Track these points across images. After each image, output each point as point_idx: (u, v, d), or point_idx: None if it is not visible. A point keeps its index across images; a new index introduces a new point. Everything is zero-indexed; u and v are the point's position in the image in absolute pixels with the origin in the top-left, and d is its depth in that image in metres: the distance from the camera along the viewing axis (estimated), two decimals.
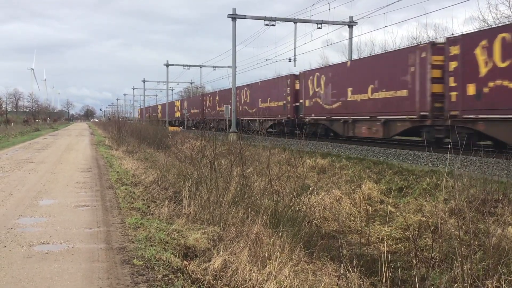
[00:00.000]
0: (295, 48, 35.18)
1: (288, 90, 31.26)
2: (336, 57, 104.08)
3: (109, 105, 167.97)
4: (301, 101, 29.33)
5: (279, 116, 32.24)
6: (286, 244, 6.62)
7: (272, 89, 34.05)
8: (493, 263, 6.97)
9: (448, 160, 12.45)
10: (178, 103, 71.01)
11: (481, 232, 9.02)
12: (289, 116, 30.72)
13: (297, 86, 30.37)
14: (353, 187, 14.13)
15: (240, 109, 40.82)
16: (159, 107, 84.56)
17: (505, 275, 6.60)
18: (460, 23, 70.40)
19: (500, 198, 10.02)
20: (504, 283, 6.18)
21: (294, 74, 31.68)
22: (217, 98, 49.05)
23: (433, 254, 7.00)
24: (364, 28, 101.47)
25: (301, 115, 29.19)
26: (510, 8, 29.55)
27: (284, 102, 31.61)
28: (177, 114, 69.24)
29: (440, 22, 75.30)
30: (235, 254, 6.21)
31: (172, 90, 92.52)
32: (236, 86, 40.43)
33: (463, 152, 14.56)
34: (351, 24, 35.48)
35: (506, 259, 7.37)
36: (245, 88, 40.85)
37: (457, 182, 8.02)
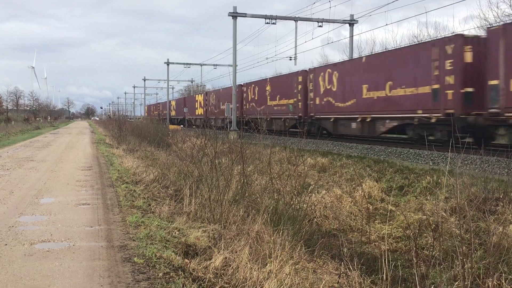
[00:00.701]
0: (295, 46, 35.19)
1: (446, 65, 17.54)
2: (336, 56, 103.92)
3: (109, 104, 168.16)
4: (493, 82, 15.53)
5: (420, 111, 18.94)
6: (287, 242, 6.63)
7: (399, 67, 20.45)
8: (494, 261, 6.97)
9: (449, 158, 12.47)
10: (200, 98, 55.89)
11: (481, 230, 9.03)
12: (449, 110, 17.40)
13: (468, 57, 17.02)
14: (353, 186, 14.14)
15: (317, 102, 27.56)
16: (173, 103, 73.38)
17: (506, 273, 6.60)
18: (461, 21, 70.29)
19: (501, 196, 10.03)
20: (505, 281, 6.18)
21: (461, 35, 17.70)
22: (268, 88, 34.80)
23: (433, 253, 7.00)
24: (363, 27, 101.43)
25: (492, 109, 15.64)
26: (511, 7, 29.51)
27: (438, 86, 17.96)
28: (199, 111, 55.49)
29: (439, 21, 75.25)
30: (236, 252, 6.21)
31: (172, 88, 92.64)
32: (305, 68, 30.48)
33: (463, 150, 14.59)
34: (352, 22, 35.45)
35: (506, 257, 7.38)
36: (328, 70, 26.63)
37: (457, 181, 8.02)
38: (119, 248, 6.86)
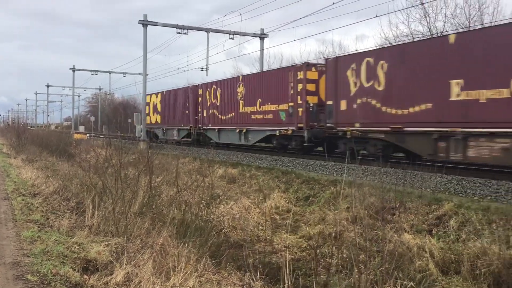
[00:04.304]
0: (207, 57, 35.28)
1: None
2: (247, 69, 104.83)
3: (8, 111, 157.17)
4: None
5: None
6: (192, 254, 6.55)
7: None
8: (390, 268, 7.36)
9: (345, 169, 13.09)
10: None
11: (379, 238, 9.50)
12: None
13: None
14: (262, 196, 14.33)
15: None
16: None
17: (401, 279, 7.00)
18: (355, 40, 74.12)
19: (397, 205, 10.63)
20: (400, 287, 6.53)
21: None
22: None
23: (334, 261, 7.26)
24: (270, 42, 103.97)
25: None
26: (409, 27, 31.74)
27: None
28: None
29: (342, 38, 79.31)
30: (139, 266, 6.03)
31: (79, 96, 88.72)
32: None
33: (367, 162, 15.36)
34: (262, 36, 36.23)
35: (401, 263, 7.84)
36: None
37: (355, 191, 8.42)
38: (11, 265, 6.38)
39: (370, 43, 77.60)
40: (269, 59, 57.21)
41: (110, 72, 63.71)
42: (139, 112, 38.24)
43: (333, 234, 8.28)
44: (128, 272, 5.90)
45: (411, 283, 6.94)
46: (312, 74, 20.36)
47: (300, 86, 20.49)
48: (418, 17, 31.40)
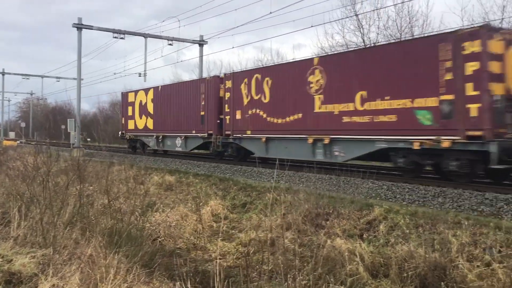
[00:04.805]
0: (145, 63, 34.70)
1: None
2: (186, 75, 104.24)
3: None
4: None
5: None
6: (123, 264, 6.38)
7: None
8: (324, 272, 7.52)
9: (275, 176, 13.18)
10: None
11: (313, 244, 9.67)
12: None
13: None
14: (199, 204, 14.22)
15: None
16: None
17: (333, 283, 7.17)
18: (292, 49, 75.51)
19: (331, 211, 10.87)
20: None
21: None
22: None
23: (268, 267, 7.31)
24: (209, 49, 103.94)
25: None
26: (344, 38, 32.64)
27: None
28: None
29: (279, 47, 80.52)
30: (65, 278, 5.80)
31: (9, 101, 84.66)
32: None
33: (303, 169, 15.58)
34: (201, 42, 36.14)
35: (333, 268, 8.02)
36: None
37: (283, 198, 8.54)
38: None
39: (307, 52, 79.33)
40: (209, 65, 57.17)
41: (42, 77, 61.37)
42: (73, 118, 36.92)
43: (268, 240, 8.33)
44: (53, 285, 5.67)
45: (342, 287, 7.12)
46: (496, 45, 11.92)
47: (472, 66, 11.96)
48: (353, 28, 32.33)
